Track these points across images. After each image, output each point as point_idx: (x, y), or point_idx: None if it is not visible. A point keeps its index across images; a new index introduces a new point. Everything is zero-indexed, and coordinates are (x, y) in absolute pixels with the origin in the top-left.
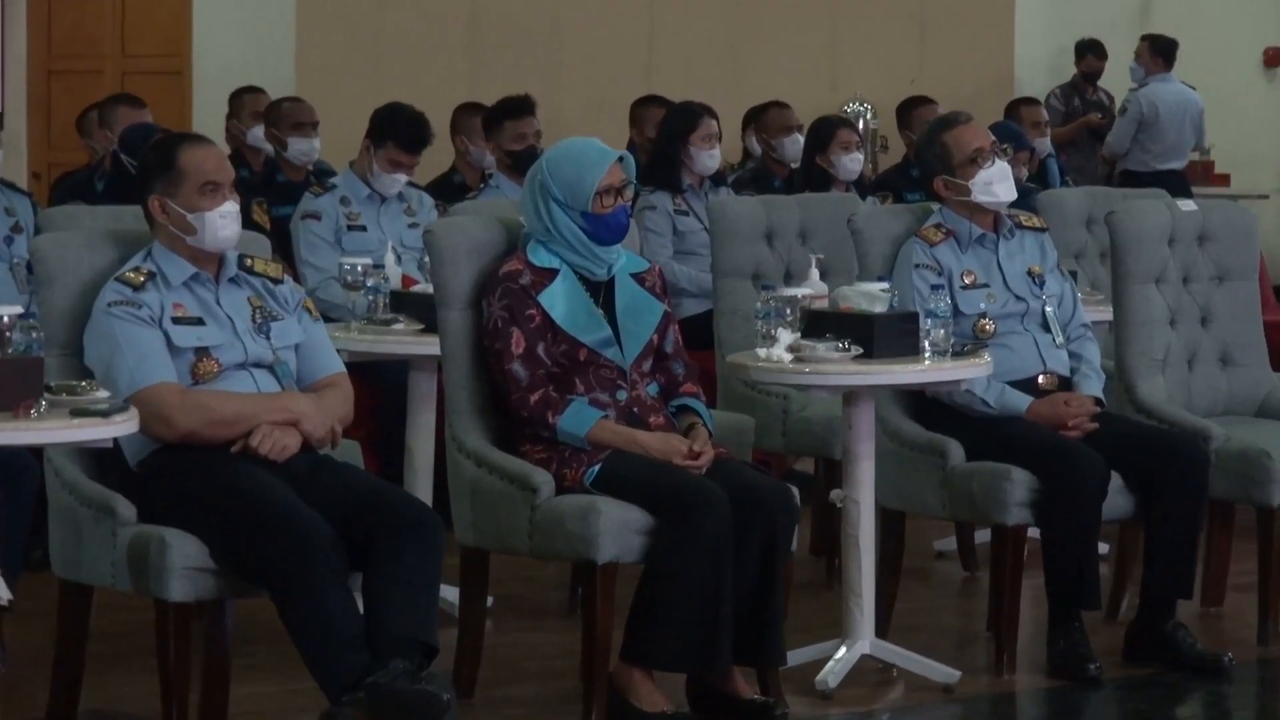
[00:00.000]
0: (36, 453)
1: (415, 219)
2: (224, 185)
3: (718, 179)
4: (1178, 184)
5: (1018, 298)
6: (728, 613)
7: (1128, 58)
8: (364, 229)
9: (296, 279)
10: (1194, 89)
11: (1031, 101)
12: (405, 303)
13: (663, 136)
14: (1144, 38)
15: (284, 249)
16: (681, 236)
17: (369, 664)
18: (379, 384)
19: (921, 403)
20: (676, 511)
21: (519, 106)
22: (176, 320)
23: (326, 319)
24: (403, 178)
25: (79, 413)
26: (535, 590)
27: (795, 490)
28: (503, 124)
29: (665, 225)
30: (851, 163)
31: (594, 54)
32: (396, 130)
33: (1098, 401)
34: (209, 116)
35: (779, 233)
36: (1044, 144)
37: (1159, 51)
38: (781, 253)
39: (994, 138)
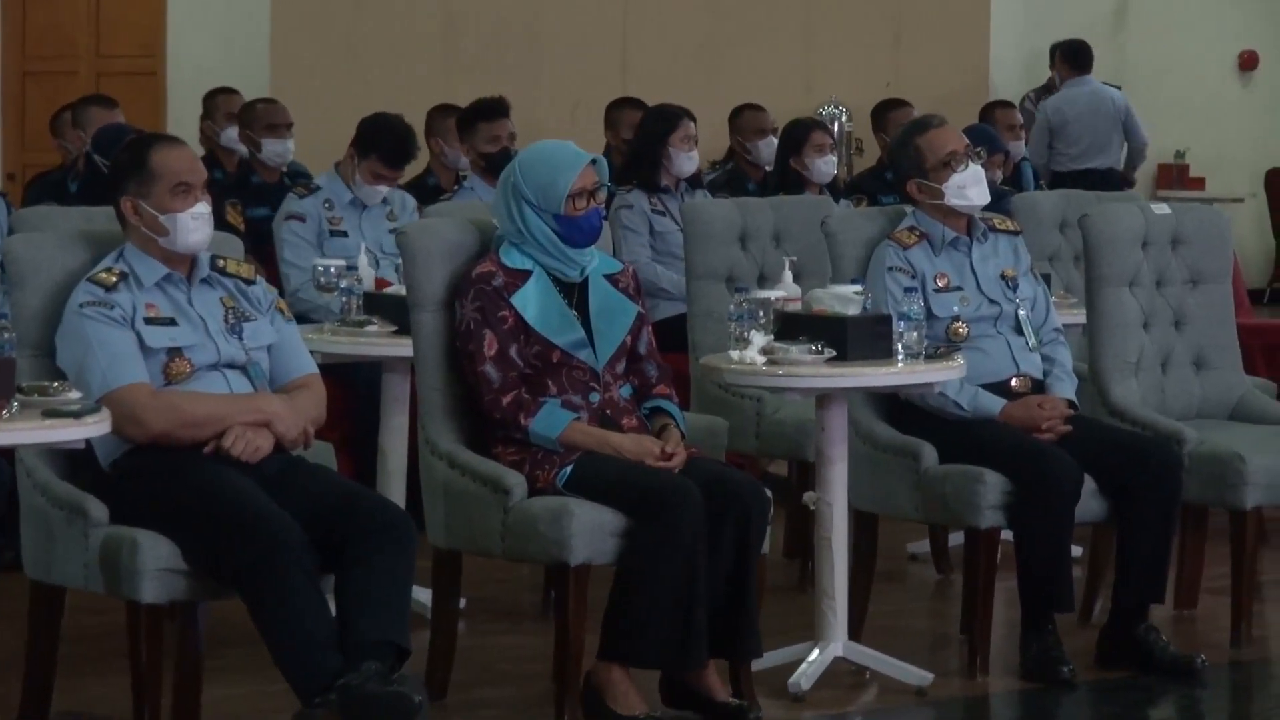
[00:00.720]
0: (8, 454)
1: (397, 224)
2: (196, 186)
3: (694, 182)
4: (1104, 181)
5: (991, 301)
6: (703, 610)
7: (1102, 61)
8: (345, 234)
9: (274, 280)
10: (1118, 88)
11: (1006, 105)
12: (378, 304)
13: (641, 137)
14: (1053, 46)
15: (258, 250)
16: (658, 237)
17: (341, 666)
18: (352, 386)
19: (895, 405)
20: (650, 511)
21: (493, 108)
22: (149, 320)
23: (307, 320)
24: (384, 189)
25: (51, 413)
26: (508, 592)
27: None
28: (476, 125)
29: (642, 224)
30: (825, 165)
31: (570, 56)
32: (380, 144)
33: (1071, 404)
34: (183, 117)
35: (753, 235)
36: (1018, 147)
37: (1067, 57)
38: (755, 255)
39: (968, 141)
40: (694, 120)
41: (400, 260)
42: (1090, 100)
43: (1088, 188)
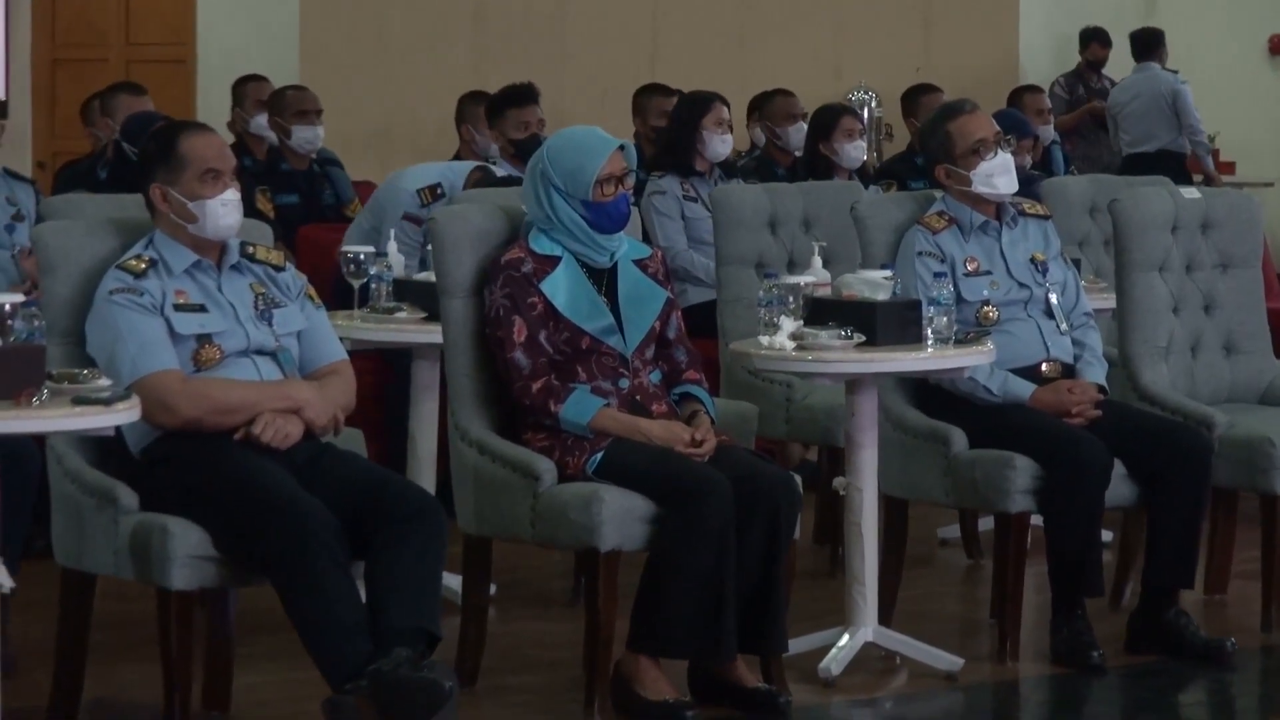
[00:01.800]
0: (38, 441)
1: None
2: (225, 173)
3: (728, 169)
4: (1154, 165)
5: (1021, 285)
6: (731, 600)
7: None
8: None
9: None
10: (1174, 73)
11: (1034, 89)
12: (408, 291)
13: (674, 122)
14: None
15: (287, 237)
16: (689, 223)
17: (371, 652)
18: (388, 370)
19: (924, 390)
20: (679, 499)
21: (522, 94)
22: (179, 307)
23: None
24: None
25: (81, 401)
26: (538, 578)
27: (798, 478)
28: (505, 112)
29: (675, 209)
30: (854, 150)
31: (599, 43)
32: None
33: (1101, 389)
34: (213, 105)
35: (782, 221)
36: (1047, 131)
37: (1136, 43)
38: (785, 240)
39: (998, 128)
40: (727, 104)
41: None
42: (1145, 85)
43: (1138, 172)
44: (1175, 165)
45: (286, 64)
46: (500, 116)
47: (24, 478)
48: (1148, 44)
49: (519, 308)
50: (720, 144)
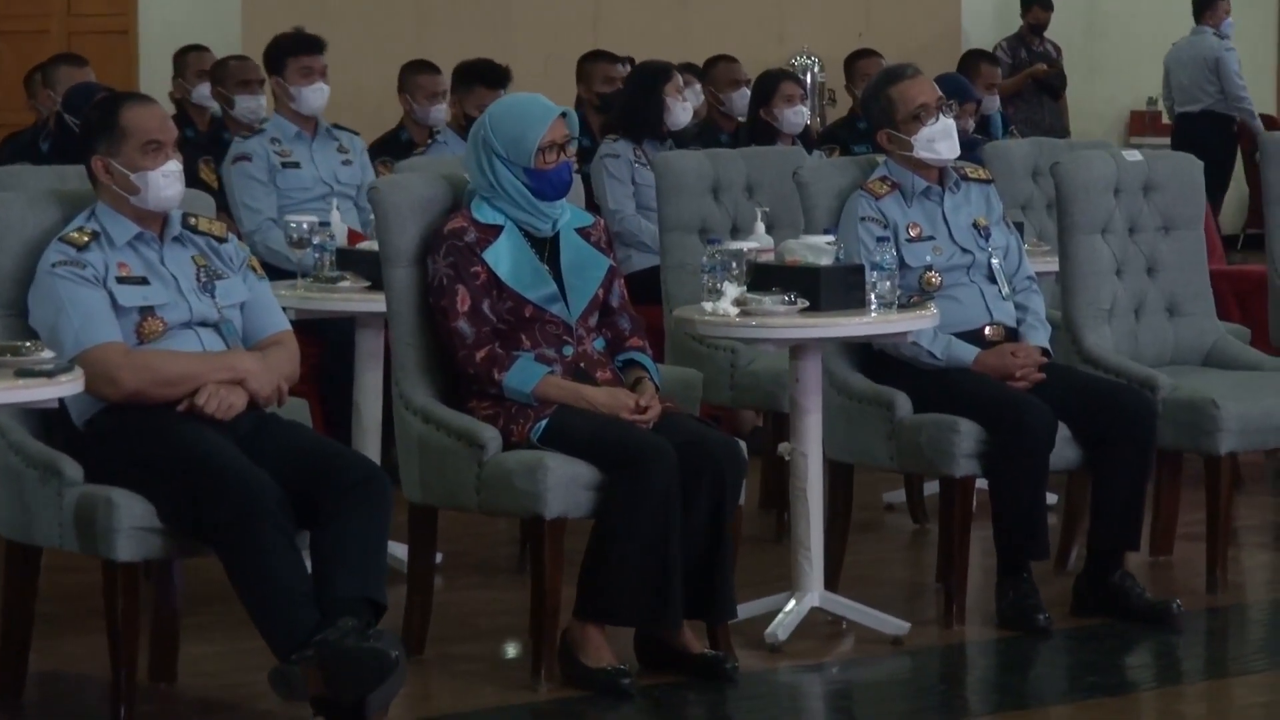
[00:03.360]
0: None
1: (349, 157)
2: (167, 144)
3: (680, 138)
4: (1194, 125)
5: (963, 250)
6: (677, 567)
7: (1073, 9)
8: (298, 165)
9: (236, 230)
10: (1223, 37)
11: (990, 59)
12: (351, 260)
13: (634, 89)
14: None
15: (229, 208)
16: (638, 189)
17: (318, 622)
18: (322, 341)
19: (868, 355)
20: (624, 466)
21: (498, 77)
22: (121, 280)
23: (267, 266)
24: (324, 86)
25: (24, 373)
26: (484, 546)
27: (743, 444)
28: (474, 87)
29: (626, 174)
30: (795, 116)
31: (541, 9)
32: (284, 47)
33: (1044, 352)
34: (155, 75)
35: (725, 187)
36: (992, 102)
37: (1193, 6)
38: (728, 206)
39: (940, 93)
40: (680, 74)
41: (354, 197)
42: (1192, 48)
43: (1186, 132)
44: (1221, 127)
45: (228, 34)
46: (467, 90)
47: None
48: (1200, 6)
49: (462, 277)
50: (681, 111)
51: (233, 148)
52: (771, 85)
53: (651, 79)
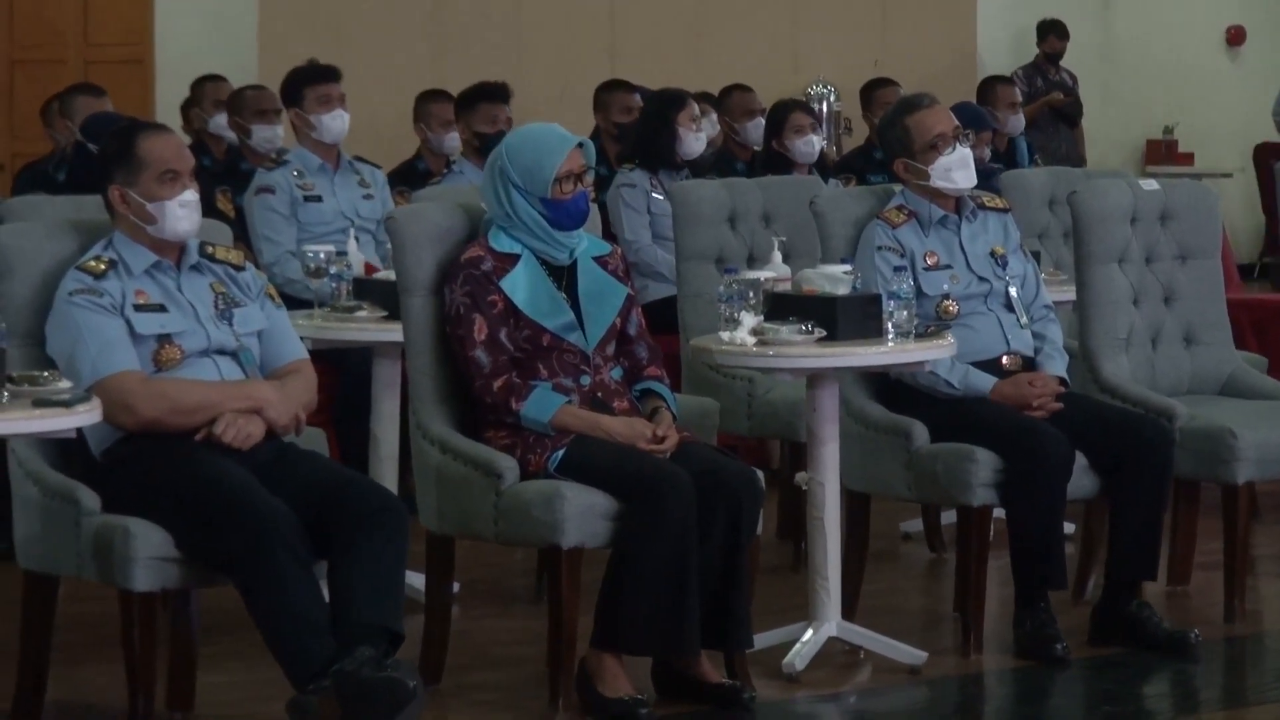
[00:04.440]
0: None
1: (370, 191)
2: (183, 174)
3: (695, 165)
4: None
5: (981, 279)
6: (695, 596)
7: (1089, 38)
8: (319, 199)
9: (254, 260)
10: None
11: (1005, 81)
12: (368, 290)
13: (648, 119)
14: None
15: (248, 238)
16: (654, 218)
17: (335, 652)
18: (339, 370)
19: (885, 385)
20: (641, 496)
21: (496, 91)
22: (139, 308)
23: (285, 296)
24: (343, 113)
25: (41, 403)
26: (501, 576)
27: (760, 473)
28: (477, 105)
29: (642, 203)
30: (805, 145)
31: (556, 39)
32: (300, 78)
33: (1062, 381)
34: (172, 105)
35: (742, 216)
36: (1017, 122)
37: None
38: (744, 236)
39: (956, 122)
40: (696, 103)
41: (373, 231)
42: None
43: None
44: None
45: (245, 63)
46: (471, 109)
47: None
48: None
49: (479, 306)
50: (695, 141)
51: (256, 178)
52: (782, 116)
53: (665, 108)
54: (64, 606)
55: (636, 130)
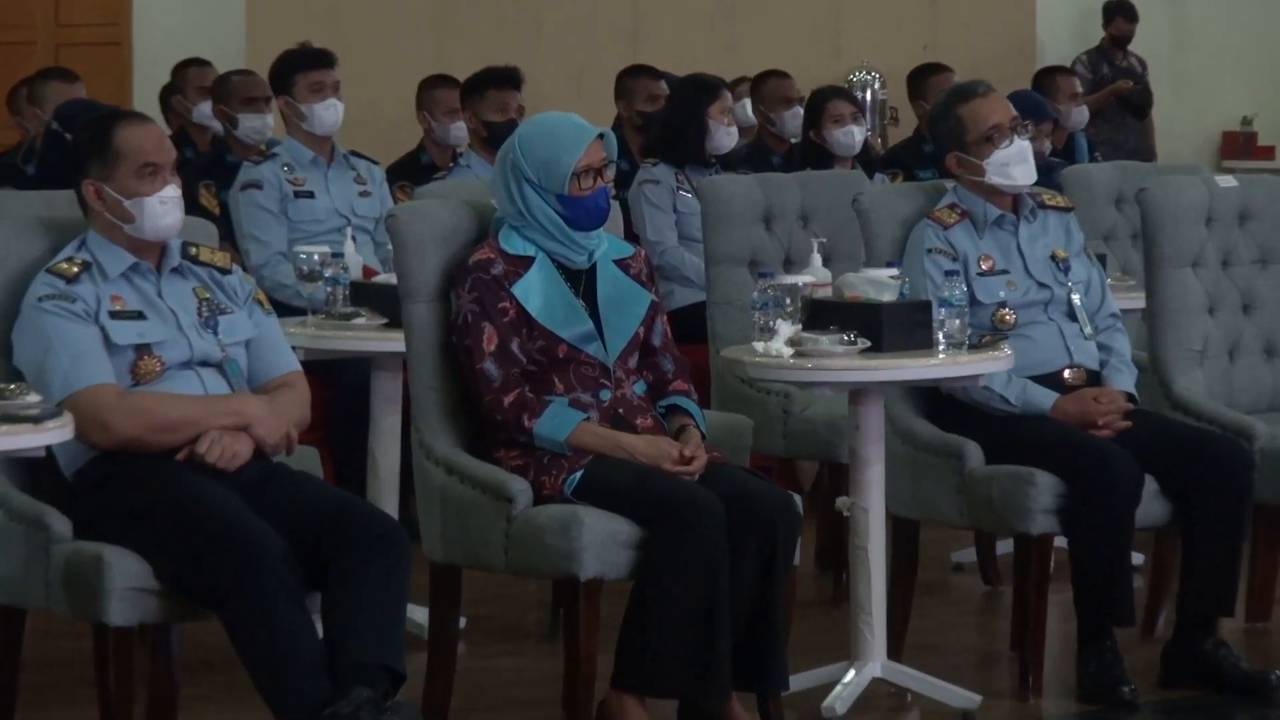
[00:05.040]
0: None
1: (367, 188)
2: (164, 167)
3: (727, 162)
4: None
5: (1040, 285)
6: (725, 633)
7: (1160, 20)
8: (311, 195)
9: (240, 260)
10: None
11: (1065, 71)
12: (366, 295)
13: (676, 108)
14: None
15: (234, 237)
16: (680, 217)
17: (330, 692)
18: (333, 383)
19: (936, 401)
20: (667, 523)
21: (506, 76)
22: (114, 314)
23: (275, 302)
24: (337, 103)
25: (7, 418)
26: (512, 610)
27: (798, 497)
28: (485, 92)
29: (667, 201)
30: (844, 136)
31: (573, 19)
32: (291, 63)
33: (1130, 397)
34: (151, 92)
35: (777, 214)
36: (1080, 115)
37: None
38: (780, 236)
39: (1014, 112)
40: (731, 91)
41: (371, 231)
42: None
43: None
44: None
45: (231, 46)
46: (479, 96)
47: None
48: None
49: (489, 313)
50: (726, 136)
51: (241, 173)
52: (820, 104)
53: (695, 97)
54: (31, 642)
55: (661, 121)
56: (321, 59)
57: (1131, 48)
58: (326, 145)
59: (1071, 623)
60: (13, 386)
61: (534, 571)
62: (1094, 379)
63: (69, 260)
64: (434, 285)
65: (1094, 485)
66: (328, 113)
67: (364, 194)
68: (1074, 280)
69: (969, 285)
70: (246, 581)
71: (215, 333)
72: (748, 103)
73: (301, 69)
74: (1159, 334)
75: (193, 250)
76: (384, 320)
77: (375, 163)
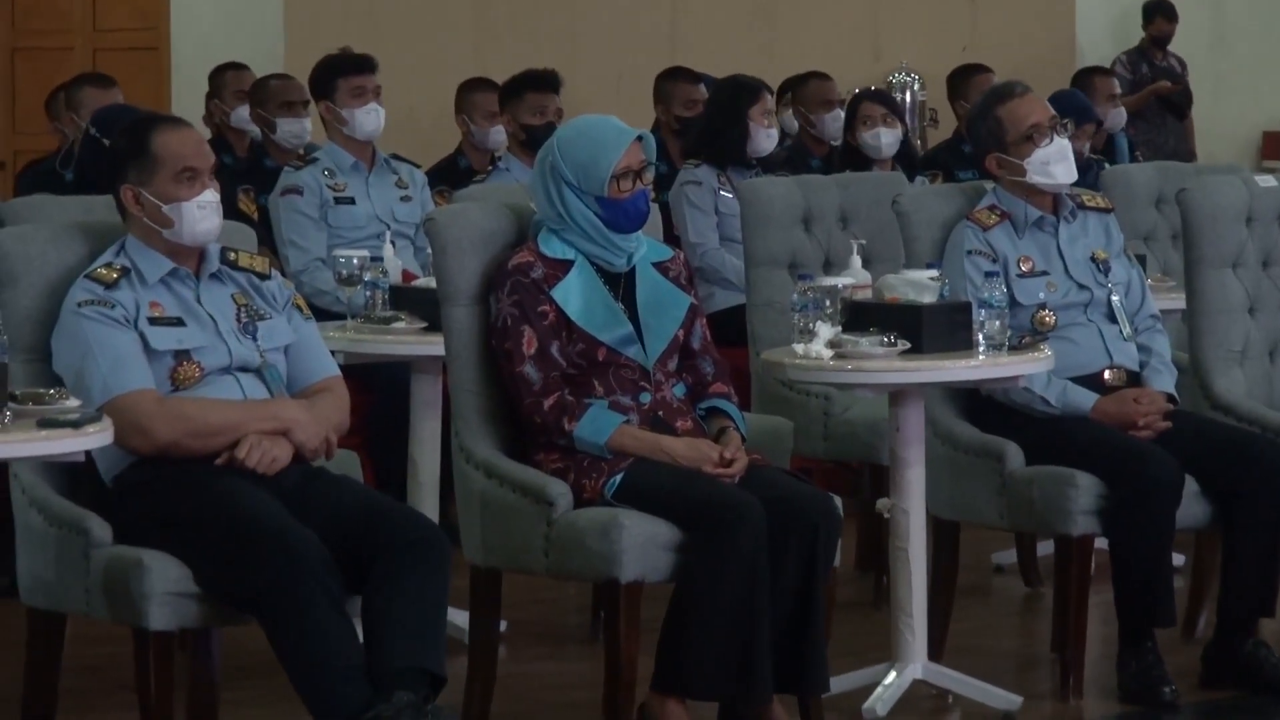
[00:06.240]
0: (1, 469)
1: (408, 192)
2: (203, 172)
3: (768, 164)
4: None
5: (1080, 286)
6: (766, 635)
7: (1200, 20)
8: (352, 201)
9: (279, 265)
10: None
11: (1103, 71)
12: (406, 299)
13: (717, 109)
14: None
15: (272, 241)
16: (721, 219)
17: (370, 697)
18: (372, 387)
19: (976, 402)
20: (707, 525)
21: (545, 79)
22: (154, 321)
23: (315, 308)
24: (378, 108)
25: (47, 424)
26: (553, 614)
27: (838, 499)
28: (524, 94)
29: (709, 203)
30: (873, 139)
31: (612, 22)
32: (332, 68)
33: (1170, 398)
34: (189, 96)
35: (817, 216)
36: (1118, 116)
37: None
38: (820, 238)
39: (1053, 112)
40: (772, 94)
41: (416, 240)
42: None
43: None
44: None
45: (270, 51)
46: (517, 99)
47: None
48: None
49: (528, 316)
50: (766, 138)
51: (283, 178)
52: (852, 107)
53: (737, 98)
54: (72, 648)
55: (703, 122)
56: (363, 64)
57: (1171, 48)
58: (368, 150)
59: (1112, 624)
60: (52, 392)
61: (574, 575)
62: (1134, 380)
63: (108, 266)
64: (473, 289)
65: (1134, 486)
66: (369, 118)
67: (405, 199)
68: (1114, 281)
69: (1009, 286)
70: (286, 586)
71: (254, 338)
72: (789, 113)
73: (343, 74)
74: (1199, 335)
75: (232, 256)
76: (423, 324)
77: (417, 166)
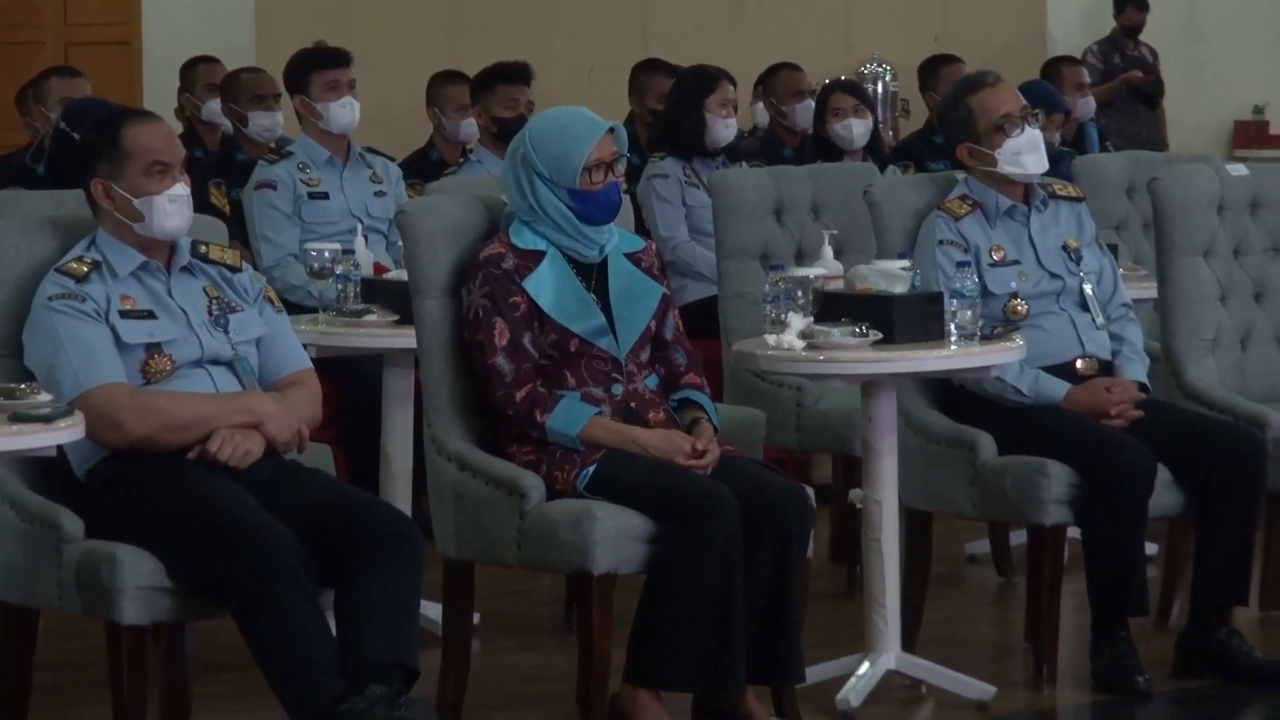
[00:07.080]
0: None
1: (382, 187)
2: (173, 166)
3: (732, 152)
4: None
5: (1052, 275)
6: (739, 626)
7: (1172, 10)
8: (326, 196)
9: (252, 259)
10: None
11: (1071, 61)
12: (378, 291)
13: (676, 100)
14: None
15: (244, 234)
16: (689, 211)
17: (343, 690)
18: (344, 380)
19: (948, 392)
20: (680, 516)
21: (516, 71)
22: (125, 314)
23: (287, 303)
24: (353, 101)
25: (19, 418)
26: (526, 606)
27: (811, 490)
28: (495, 87)
29: (677, 195)
30: (844, 130)
31: (584, 15)
32: (306, 62)
33: (1142, 387)
34: (161, 90)
35: (789, 207)
36: (1087, 106)
37: None
38: (792, 229)
39: (1024, 102)
40: (733, 84)
41: (391, 235)
42: None
43: None
44: None
45: (241, 44)
46: (489, 92)
47: None
48: None
49: (500, 308)
50: (723, 128)
51: (257, 171)
52: (823, 98)
53: (694, 88)
54: (44, 642)
55: (663, 112)
56: (337, 58)
57: (1143, 37)
58: (342, 144)
59: (1085, 613)
60: (23, 386)
61: (547, 567)
62: (1106, 369)
63: (78, 260)
64: (445, 281)
65: (1107, 475)
66: (343, 112)
67: (379, 194)
68: (1086, 270)
69: (981, 276)
70: (259, 579)
71: (226, 331)
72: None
73: (317, 68)
74: (1171, 323)
75: (203, 249)
76: (395, 317)
77: (391, 159)
